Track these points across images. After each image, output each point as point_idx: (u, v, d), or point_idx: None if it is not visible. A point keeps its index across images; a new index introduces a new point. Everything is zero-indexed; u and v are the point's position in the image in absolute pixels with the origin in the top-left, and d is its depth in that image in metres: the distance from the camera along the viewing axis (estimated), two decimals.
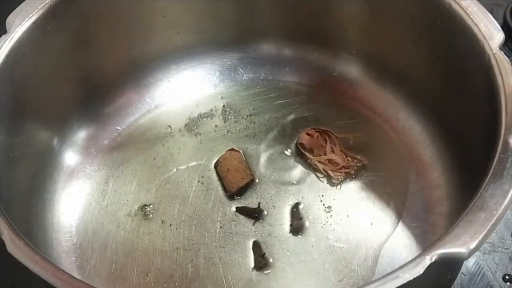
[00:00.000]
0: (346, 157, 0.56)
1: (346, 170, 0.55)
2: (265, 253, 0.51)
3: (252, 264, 0.50)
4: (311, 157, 0.56)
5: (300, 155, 0.57)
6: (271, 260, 0.50)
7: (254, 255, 0.51)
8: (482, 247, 0.51)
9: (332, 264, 0.50)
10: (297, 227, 0.52)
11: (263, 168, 0.56)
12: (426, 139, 0.56)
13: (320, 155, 0.56)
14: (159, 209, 0.54)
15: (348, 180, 0.55)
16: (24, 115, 0.52)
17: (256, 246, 0.51)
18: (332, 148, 0.56)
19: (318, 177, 0.55)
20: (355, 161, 0.56)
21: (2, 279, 0.52)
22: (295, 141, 0.58)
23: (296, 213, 0.53)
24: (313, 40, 0.63)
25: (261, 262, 0.50)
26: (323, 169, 0.55)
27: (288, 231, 0.52)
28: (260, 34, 0.64)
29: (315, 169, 0.56)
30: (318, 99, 0.61)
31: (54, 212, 0.54)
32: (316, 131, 0.57)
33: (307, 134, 0.57)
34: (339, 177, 0.55)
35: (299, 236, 0.52)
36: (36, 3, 0.51)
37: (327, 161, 0.56)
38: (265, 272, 0.50)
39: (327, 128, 0.57)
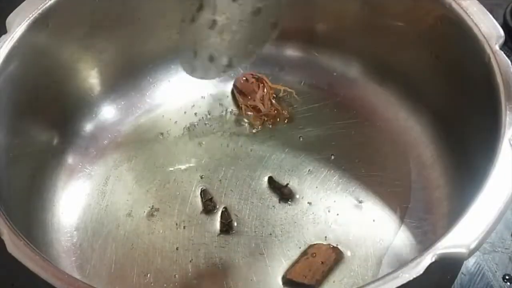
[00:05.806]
0: (272, 107, 0.58)
1: (266, 118, 0.58)
2: (212, 197, 0.53)
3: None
4: (241, 99, 0.58)
5: (234, 97, 0.60)
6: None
7: (202, 199, 0.53)
8: (482, 247, 0.51)
9: None
10: (288, 194, 0.53)
11: (263, 167, 0.56)
12: (426, 139, 0.56)
13: (250, 100, 0.59)
14: (159, 209, 0.54)
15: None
16: (24, 115, 0.52)
17: (204, 191, 0.54)
18: (262, 95, 0.57)
19: (240, 123, 0.58)
20: (275, 111, 0.58)
21: (2, 279, 0.52)
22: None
23: (277, 184, 0.54)
24: (313, 40, 0.63)
25: (209, 205, 0.53)
26: (245, 113, 0.58)
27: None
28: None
29: (240, 113, 0.59)
30: (318, 99, 0.61)
31: (54, 212, 0.54)
32: (253, 77, 0.59)
33: (244, 77, 0.59)
34: (257, 122, 0.58)
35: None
36: (36, 3, 0.51)
37: (251, 106, 0.58)
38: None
39: (262, 76, 0.59)
